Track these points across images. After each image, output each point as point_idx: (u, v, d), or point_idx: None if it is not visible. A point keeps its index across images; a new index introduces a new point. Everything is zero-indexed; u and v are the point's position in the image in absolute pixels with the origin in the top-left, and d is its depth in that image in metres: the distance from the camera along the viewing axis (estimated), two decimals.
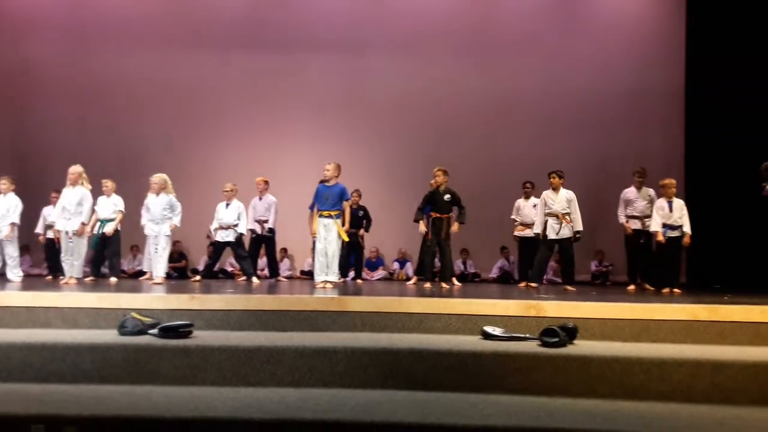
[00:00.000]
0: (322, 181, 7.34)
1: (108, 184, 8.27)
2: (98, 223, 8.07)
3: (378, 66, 11.82)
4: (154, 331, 4.15)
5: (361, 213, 9.47)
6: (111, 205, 8.17)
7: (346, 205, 7.28)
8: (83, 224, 7.37)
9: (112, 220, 8.12)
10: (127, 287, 6.53)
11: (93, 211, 7.91)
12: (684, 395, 3.64)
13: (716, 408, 3.50)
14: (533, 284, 7.73)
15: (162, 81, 11.63)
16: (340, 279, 7.98)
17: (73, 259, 7.38)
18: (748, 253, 8.94)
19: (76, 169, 7.50)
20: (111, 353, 3.86)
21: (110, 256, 8.34)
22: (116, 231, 8.18)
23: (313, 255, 7.82)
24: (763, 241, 8.75)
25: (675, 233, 7.40)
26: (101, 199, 8.17)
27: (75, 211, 7.35)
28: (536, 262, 7.82)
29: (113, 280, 7.93)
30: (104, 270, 8.50)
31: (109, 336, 4.15)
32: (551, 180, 7.75)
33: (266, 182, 9.13)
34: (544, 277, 8.92)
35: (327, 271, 7.14)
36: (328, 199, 7.18)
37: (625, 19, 11.87)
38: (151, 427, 3.11)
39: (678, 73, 11.36)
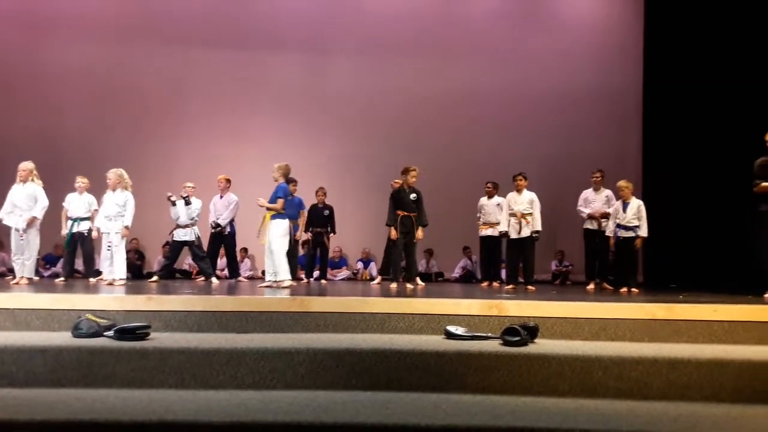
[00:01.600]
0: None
1: (82, 181, 8.01)
2: (70, 222, 7.85)
3: (341, 66, 11.80)
4: (110, 333, 4.03)
5: (326, 212, 9.41)
6: (85, 204, 7.92)
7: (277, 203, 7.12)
8: (35, 218, 7.16)
9: (85, 218, 7.89)
10: (81, 288, 6.36)
11: (62, 208, 7.80)
12: (641, 392, 3.71)
13: (672, 405, 3.58)
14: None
15: (120, 77, 11.38)
16: (303, 280, 7.89)
17: (24, 258, 7.16)
18: (704, 252, 9.20)
19: (26, 165, 7.27)
20: (64, 356, 3.74)
21: (86, 256, 8.11)
22: (90, 230, 7.97)
23: None
24: (717, 241, 9.02)
25: (629, 234, 7.55)
26: (73, 196, 7.93)
27: (26, 207, 7.13)
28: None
29: (92, 280, 7.71)
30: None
31: (62, 338, 4.02)
32: (517, 182, 7.89)
33: (228, 180, 9.03)
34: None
35: (270, 270, 7.08)
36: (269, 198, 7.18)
37: (585, 21, 12.11)
38: None
39: (636, 74, 11.63)
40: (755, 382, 3.73)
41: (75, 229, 7.85)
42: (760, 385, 3.72)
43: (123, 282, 7.19)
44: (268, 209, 7.08)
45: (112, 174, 7.43)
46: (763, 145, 6.16)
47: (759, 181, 6.12)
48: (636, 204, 7.64)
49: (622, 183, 7.72)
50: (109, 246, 7.30)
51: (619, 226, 7.64)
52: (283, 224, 7.13)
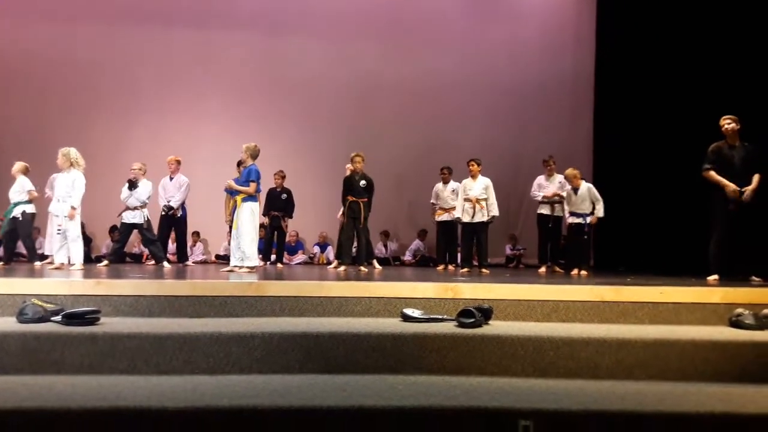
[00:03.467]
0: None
1: (15, 166, 7.84)
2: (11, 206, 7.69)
3: (296, 47, 11.65)
4: (58, 318, 3.91)
5: (284, 196, 9.30)
6: (18, 187, 7.74)
7: (251, 186, 7.00)
8: None
9: (21, 202, 7.70)
10: (26, 272, 6.14)
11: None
12: (591, 372, 3.82)
13: (620, 383, 3.69)
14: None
15: (70, 57, 11.00)
16: (258, 264, 7.78)
17: None
18: (651, 236, 9.50)
19: None
20: (9, 342, 3.61)
21: (24, 239, 7.88)
22: (25, 213, 7.75)
23: (229, 239, 7.66)
24: (664, 225, 9.31)
25: (579, 220, 7.76)
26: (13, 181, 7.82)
27: None
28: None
29: (37, 264, 7.49)
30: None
31: (6, 324, 3.87)
32: (470, 167, 7.98)
33: (178, 161, 8.83)
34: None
35: (236, 255, 7.00)
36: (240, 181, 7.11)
37: (538, 10, 12.24)
38: (54, 419, 2.94)
39: (588, 62, 11.83)
40: (697, 361, 3.87)
41: (11, 214, 7.66)
42: (701, 364, 3.87)
43: (78, 267, 6.78)
44: (240, 192, 6.95)
45: (59, 153, 7.04)
46: (718, 130, 6.29)
47: (709, 166, 6.28)
48: (585, 188, 7.81)
49: (569, 172, 7.88)
50: (59, 230, 6.91)
51: (571, 213, 7.83)
52: (254, 207, 7.04)
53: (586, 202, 7.76)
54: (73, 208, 6.92)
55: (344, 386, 3.40)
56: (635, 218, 9.82)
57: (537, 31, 12.01)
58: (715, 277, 6.07)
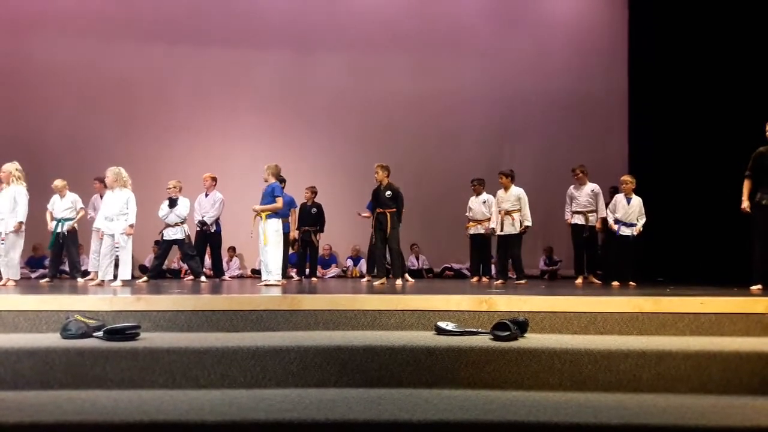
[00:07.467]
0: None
1: (59, 183, 8.06)
2: (55, 223, 7.91)
3: (327, 64, 11.80)
4: (99, 333, 4.01)
5: (314, 210, 9.39)
6: (68, 203, 7.99)
7: (278, 201, 7.19)
8: (20, 222, 7.04)
9: (69, 219, 7.94)
10: (69, 288, 6.30)
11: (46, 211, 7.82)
12: (630, 385, 3.74)
13: (661, 396, 3.61)
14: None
15: (106, 76, 11.31)
16: (283, 279, 7.86)
17: (9, 260, 7.07)
18: (690, 246, 9.30)
19: (8, 167, 7.15)
20: (53, 357, 3.71)
21: (72, 255, 8.13)
22: (74, 229, 8.01)
23: None
24: (703, 235, 9.11)
25: (629, 231, 7.65)
26: (56, 197, 8.03)
27: (8, 210, 7.01)
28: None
29: (80, 281, 7.66)
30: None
31: (50, 340, 3.98)
32: (500, 180, 7.94)
33: (213, 179, 8.99)
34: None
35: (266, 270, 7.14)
36: (263, 198, 7.28)
37: (569, 22, 12.17)
38: None
39: (621, 72, 11.71)
40: (742, 373, 3.77)
41: (60, 230, 7.86)
42: (746, 376, 3.76)
43: (119, 283, 6.86)
44: (268, 211, 7.12)
45: (110, 173, 7.05)
46: (763, 135, 6.12)
47: (749, 173, 6.17)
48: (638, 199, 7.75)
49: (626, 177, 7.81)
50: (116, 247, 6.94)
51: (619, 221, 7.69)
52: (278, 223, 7.23)
53: (636, 213, 7.66)
54: (131, 226, 6.96)
55: (379, 400, 3.40)
56: (674, 229, 9.64)
57: (567, 44, 11.94)
58: (759, 286, 5.91)
